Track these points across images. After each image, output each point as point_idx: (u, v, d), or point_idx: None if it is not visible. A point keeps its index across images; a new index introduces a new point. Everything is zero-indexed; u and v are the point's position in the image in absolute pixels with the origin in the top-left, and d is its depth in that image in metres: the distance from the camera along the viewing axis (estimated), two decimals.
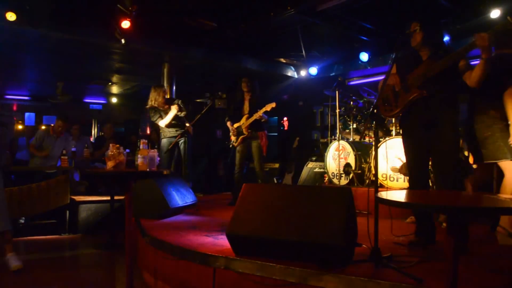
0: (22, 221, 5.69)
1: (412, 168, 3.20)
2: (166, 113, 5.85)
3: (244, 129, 5.57)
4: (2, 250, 3.99)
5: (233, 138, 5.72)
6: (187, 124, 5.75)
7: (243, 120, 5.60)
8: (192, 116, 5.83)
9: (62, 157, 6.22)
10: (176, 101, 5.89)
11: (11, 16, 5.62)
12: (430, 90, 2.98)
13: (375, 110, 2.68)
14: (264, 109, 5.37)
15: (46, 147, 6.72)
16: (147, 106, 5.93)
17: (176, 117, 5.86)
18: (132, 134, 10.56)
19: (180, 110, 5.82)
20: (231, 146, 5.75)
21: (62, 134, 6.88)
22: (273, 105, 5.34)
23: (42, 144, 6.72)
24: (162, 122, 5.83)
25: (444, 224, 3.76)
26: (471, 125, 3.32)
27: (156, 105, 5.86)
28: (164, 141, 5.96)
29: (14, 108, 12.65)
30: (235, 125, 5.67)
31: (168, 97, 7.46)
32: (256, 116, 5.42)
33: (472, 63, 2.93)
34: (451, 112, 2.97)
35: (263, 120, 5.46)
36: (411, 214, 4.28)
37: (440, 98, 2.98)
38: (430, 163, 3.20)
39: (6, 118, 4.30)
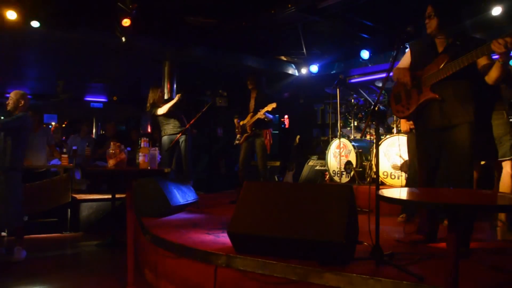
0: (25, 218, 5.69)
1: (421, 171, 3.11)
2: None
3: (247, 127, 5.54)
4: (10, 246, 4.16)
5: (238, 135, 5.71)
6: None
7: (248, 118, 5.58)
8: (193, 114, 5.83)
9: (62, 155, 6.22)
10: (180, 92, 5.94)
11: (12, 15, 5.62)
12: (443, 92, 2.82)
13: (376, 108, 2.67)
14: (265, 109, 5.33)
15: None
16: (147, 109, 6.01)
17: (176, 115, 5.87)
18: (132, 131, 10.56)
19: (181, 100, 5.84)
20: (235, 143, 5.74)
21: (39, 127, 6.59)
22: (274, 105, 5.31)
23: None
24: (160, 110, 5.84)
25: (446, 222, 3.76)
26: (485, 122, 3.25)
27: (153, 102, 5.95)
28: (164, 139, 5.97)
29: None
30: (241, 123, 5.66)
31: (167, 97, 7.47)
32: (258, 115, 5.40)
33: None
34: (466, 115, 2.80)
35: (266, 120, 5.42)
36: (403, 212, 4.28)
37: (455, 100, 2.81)
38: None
39: (18, 121, 4.35)
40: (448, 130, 2.86)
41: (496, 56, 2.56)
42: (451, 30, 2.87)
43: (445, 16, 2.84)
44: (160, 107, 5.91)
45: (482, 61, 2.69)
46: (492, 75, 2.64)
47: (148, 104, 5.99)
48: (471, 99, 2.82)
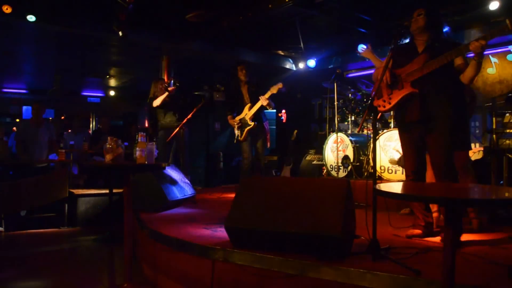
0: (23, 213, 5.68)
1: (408, 163, 3.19)
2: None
3: (248, 120, 5.22)
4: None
5: (237, 132, 5.35)
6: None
7: (246, 110, 5.28)
8: (190, 109, 5.81)
9: (59, 150, 6.21)
10: (175, 83, 5.93)
11: (7, 9, 5.59)
12: (423, 88, 2.97)
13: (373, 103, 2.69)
14: (269, 93, 5.02)
15: (29, 139, 6.45)
16: (148, 101, 6.01)
17: (174, 109, 5.86)
18: (131, 126, 10.54)
19: (173, 89, 5.84)
20: (235, 141, 5.40)
21: (43, 122, 6.60)
22: (280, 85, 5.01)
23: (25, 137, 6.44)
24: (155, 102, 5.87)
25: (442, 217, 3.78)
26: (461, 115, 3.38)
27: (153, 95, 5.96)
28: (161, 133, 5.95)
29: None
30: (237, 118, 5.33)
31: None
32: (261, 102, 5.07)
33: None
34: (445, 108, 2.94)
35: (269, 108, 5.10)
36: (407, 206, 4.31)
37: (434, 95, 2.96)
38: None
39: None
40: (427, 124, 3.00)
41: (472, 55, 2.79)
42: (433, 32, 3.05)
43: (432, 18, 3.03)
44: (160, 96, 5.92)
45: (458, 61, 2.92)
46: (468, 74, 2.86)
47: (149, 97, 6.01)
48: (449, 94, 2.98)
